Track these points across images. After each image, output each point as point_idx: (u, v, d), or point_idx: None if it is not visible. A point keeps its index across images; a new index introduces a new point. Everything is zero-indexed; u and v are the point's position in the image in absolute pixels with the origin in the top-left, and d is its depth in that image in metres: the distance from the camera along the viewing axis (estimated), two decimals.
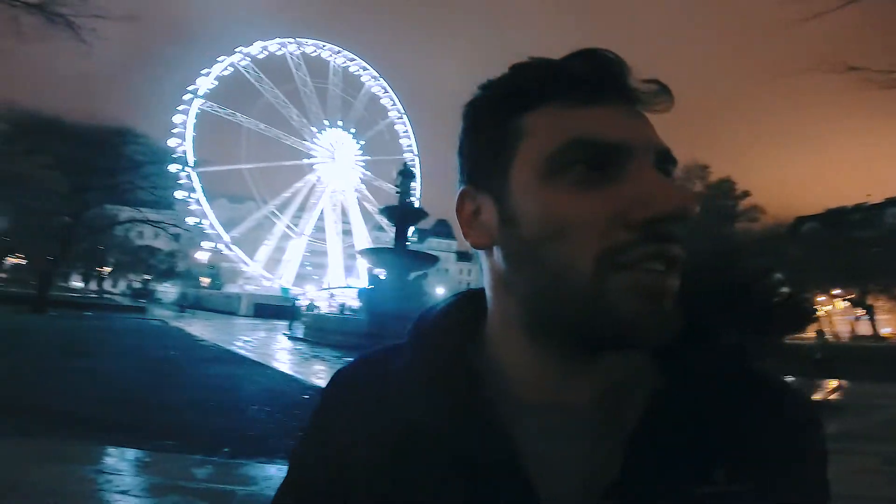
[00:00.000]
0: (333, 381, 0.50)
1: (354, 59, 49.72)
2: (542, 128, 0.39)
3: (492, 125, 0.42)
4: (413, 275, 17.81)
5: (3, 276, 29.66)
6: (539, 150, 0.38)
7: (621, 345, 0.37)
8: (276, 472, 3.59)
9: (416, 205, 22.14)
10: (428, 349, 0.45)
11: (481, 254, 0.45)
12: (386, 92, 51.15)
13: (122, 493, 2.94)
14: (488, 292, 0.45)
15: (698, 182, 30.70)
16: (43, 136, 21.86)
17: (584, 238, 0.36)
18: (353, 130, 52.07)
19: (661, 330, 0.35)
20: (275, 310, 31.80)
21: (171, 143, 36.56)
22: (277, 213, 50.84)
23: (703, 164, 31.07)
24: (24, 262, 31.83)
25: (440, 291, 53.77)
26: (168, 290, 46.98)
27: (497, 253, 0.42)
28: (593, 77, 0.39)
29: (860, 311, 26.36)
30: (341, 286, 49.43)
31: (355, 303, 23.33)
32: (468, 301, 0.49)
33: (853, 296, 26.98)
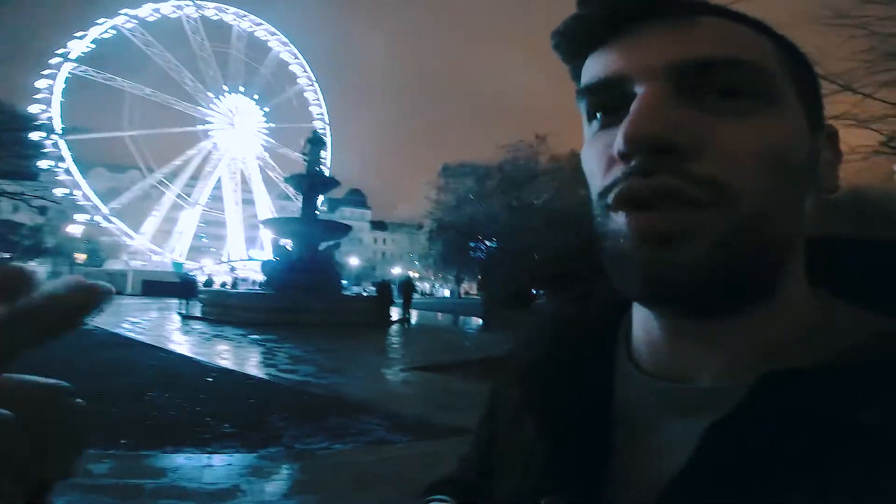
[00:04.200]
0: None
1: (262, 24, 47.00)
2: (582, 79, 0.36)
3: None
4: (323, 245, 17.29)
5: None
6: (579, 105, 0.37)
7: (641, 299, 0.34)
8: (184, 462, 3.39)
9: (326, 173, 21.29)
10: (572, 308, 0.47)
11: None
12: (296, 58, 49.00)
13: None
14: None
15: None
16: None
17: (593, 182, 0.35)
18: (256, 97, 49.72)
19: (669, 282, 0.30)
20: (167, 287, 29.14)
21: (33, 108, 32.57)
22: (166, 182, 46.47)
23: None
24: None
25: (354, 262, 53.13)
26: (37, 270, 41.20)
27: None
28: (592, 15, 0.34)
29: None
30: (243, 259, 46.73)
31: (259, 276, 22.19)
32: None
33: None
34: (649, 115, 0.30)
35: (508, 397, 0.47)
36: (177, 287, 21.54)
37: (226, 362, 7.76)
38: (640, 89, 0.31)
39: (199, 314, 15.75)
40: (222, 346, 9.82)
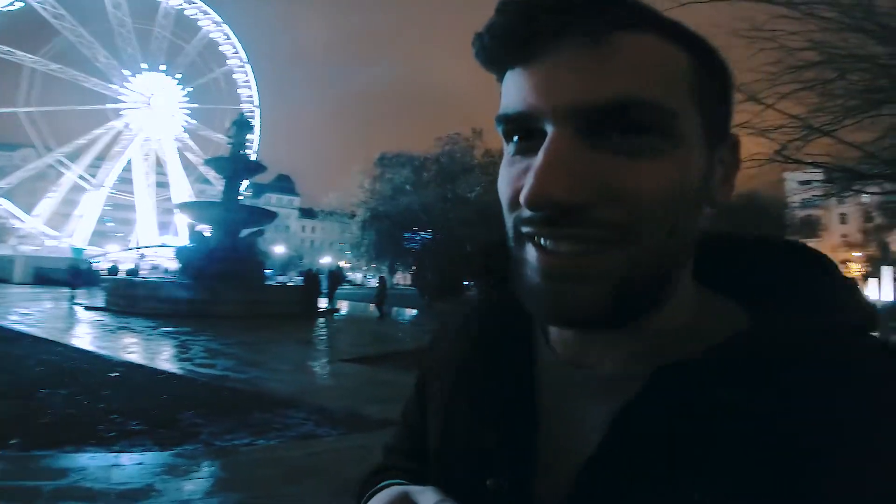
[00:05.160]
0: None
1: (194, 3, 43.97)
2: (501, 101, 0.36)
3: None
4: (245, 232, 16.45)
5: None
6: (497, 127, 0.37)
7: (548, 323, 0.40)
8: (89, 462, 3.10)
9: (253, 157, 20.17)
10: (494, 296, 0.49)
11: None
12: (228, 39, 46.24)
13: None
14: None
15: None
16: None
17: (505, 205, 0.36)
18: (178, 76, 46.38)
19: (572, 313, 0.33)
20: (63, 274, 26.17)
21: None
22: (67, 161, 41.98)
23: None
24: None
25: (280, 250, 50.96)
26: None
27: None
28: (512, 36, 0.33)
29: None
30: (154, 245, 43.30)
31: (172, 263, 20.64)
32: None
33: None
34: (553, 176, 0.31)
35: (439, 387, 0.48)
36: (69, 274, 19.44)
37: (133, 356, 7.14)
38: (549, 128, 0.32)
39: (101, 304, 14.33)
40: (129, 340, 9.01)
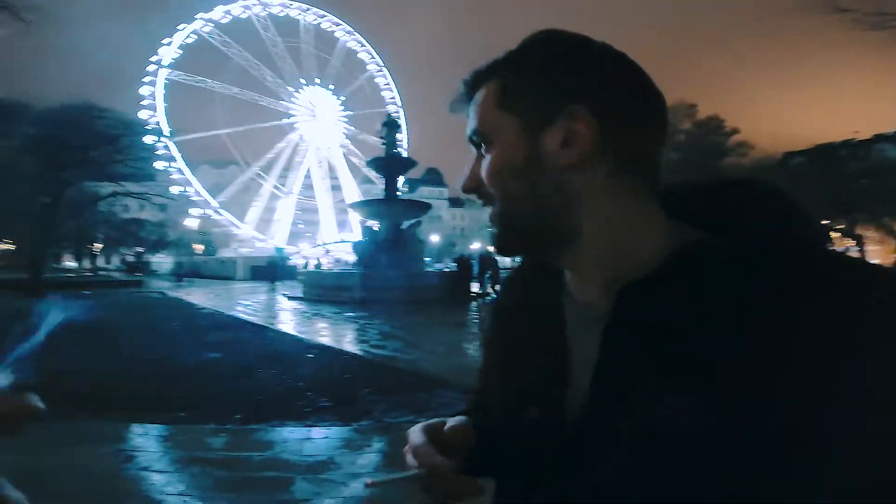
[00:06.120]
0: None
1: (325, 16, 48.61)
2: None
3: None
4: (406, 223, 17.76)
5: None
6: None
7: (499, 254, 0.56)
8: (289, 435, 3.66)
9: (404, 155, 21.64)
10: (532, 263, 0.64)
11: None
12: (363, 46, 50.18)
13: (144, 469, 3.01)
14: None
15: (686, 120, 30.77)
16: (7, 121, 21.23)
17: None
18: (332, 87, 51.61)
19: (501, 246, 0.54)
20: (269, 271, 31.77)
21: (142, 115, 36.54)
22: (262, 174, 50.43)
23: (691, 103, 31.66)
24: (13, 247, 31.35)
25: (435, 238, 54.26)
26: (163, 261, 46.94)
27: None
28: (455, 104, 0.58)
29: (850, 242, 26.49)
30: (335, 241, 49.54)
31: (351, 256, 23.45)
32: None
33: (843, 227, 26.92)
34: (466, 177, 0.56)
35: (498, 337, 0.62)
36: (272, 270, 23.28)
37: (324, 339, 8.35)
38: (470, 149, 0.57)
39: (299, 294, 17.09)
40: (320, 325, 10.58)
